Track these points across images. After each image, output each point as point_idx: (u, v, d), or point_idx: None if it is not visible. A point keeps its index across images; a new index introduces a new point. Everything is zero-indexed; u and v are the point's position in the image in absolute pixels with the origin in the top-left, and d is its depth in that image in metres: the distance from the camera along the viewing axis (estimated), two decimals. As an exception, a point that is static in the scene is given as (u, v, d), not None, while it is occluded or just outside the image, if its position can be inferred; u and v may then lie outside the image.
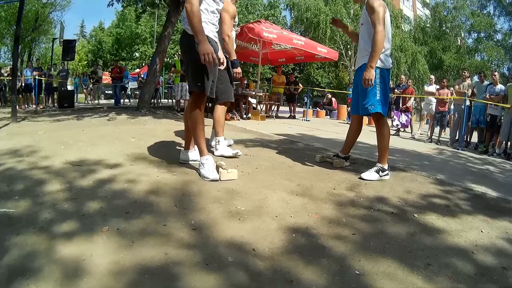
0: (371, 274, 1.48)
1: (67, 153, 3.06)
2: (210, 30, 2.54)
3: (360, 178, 2.85)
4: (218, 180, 2.49)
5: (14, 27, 11.86)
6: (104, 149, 3.30)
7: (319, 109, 14.78)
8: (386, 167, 2.94)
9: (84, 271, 1.35)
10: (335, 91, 18.51)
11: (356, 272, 1.48)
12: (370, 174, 2.87)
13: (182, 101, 8.94)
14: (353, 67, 23.85)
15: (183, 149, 2.93)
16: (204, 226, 1.77)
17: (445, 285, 1.46)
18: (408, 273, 1.52)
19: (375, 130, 3.02)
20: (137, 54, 30.59)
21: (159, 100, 14.37)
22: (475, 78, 8.33)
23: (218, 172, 2.54)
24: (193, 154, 2.90)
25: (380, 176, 2.89)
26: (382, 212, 2.20)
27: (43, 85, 11.89)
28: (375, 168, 2.91)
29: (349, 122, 12.03)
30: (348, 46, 22.98)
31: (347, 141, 3.38)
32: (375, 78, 2.84)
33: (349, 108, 12.32)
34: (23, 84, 11.52)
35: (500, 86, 6.80)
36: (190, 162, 2.88)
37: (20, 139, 3.74)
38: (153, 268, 1.40)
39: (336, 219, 2.01)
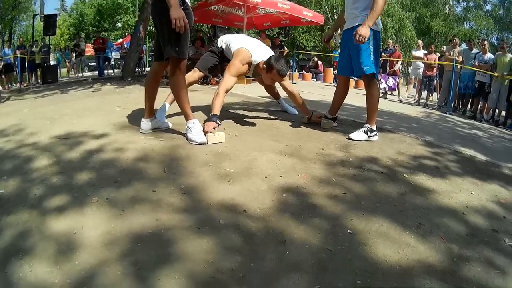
0: (363, 233, 1.49)
1: (53, 128, 2.95)
2: None
3: (349, 138, 2.84)
4: (205, 144, 2.43)
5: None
6: (89, 121, 3.19)
7: (305, 72, 14.62)
8: (374, 127, 2.93)
9: (76, 245, 1.32)
10: (321, 54, 18.24)
11: (348, 231, 1.49)
12: (358, 135, 2.85)
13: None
14: (339, 31, 23.53)
15: (143, 119, 2.72)
16: (194, 190, 1.74)
17: (437, 245, 1.48)
18: (401, 232, 1.54)
19: (365, 92, 2.97)
20: (119, 24, 29.57)
21: (144, 69, 14.04)
22: (463, 46, 8.30)
23: (205, 135, 2.48)
24: (154, 122, 2.75)
25: (369, 136, 2.88)
26: (372, 171, 2.19)
27: (26, 63, 11.57)
28: (363, 128, 2.90)
29: (336, 85, 12.07)
30: (334, 11, 22.41)
31: (334, 102, 3.34)
32: (369, 39, 2.75)
33: (336, 71, 12.23)
34: (5, 64, 11.15)
35: (489, 55, 6.85)
36: (148, 132, 2.71)
37: (5, 119, 3.56)
38: (144, 235, 1.38)
39: (326, 179, 2.00)
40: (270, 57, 3.02)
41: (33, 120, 3.39)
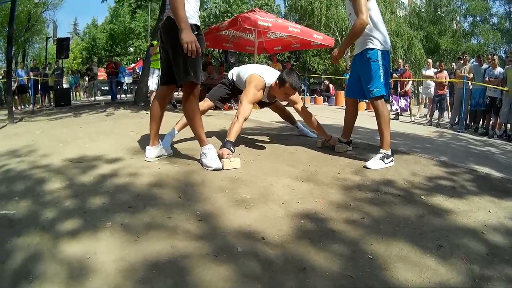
0: (384, 258, 1.45)
1: (66, 151, 3.00)
2: (197, 20, 2.45)
3: (365, 167, 2.75)
4: (220, 169, 2.43)
5: (7, 29, 11.73)
6: (103, 144, 3.24)
7: (316, 96, 14.69)
8: (390, 152, 2.87)
9: (89, 270, 1.30)
10: (332, 77, 18.37)
11: (369, 256, 1.45)
12: (375, 163, 2.78)
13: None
14: (349, 53, 23.72)
15: (148, 146, 2.68)
16: (210, 217, 1.73)
17: (459, 267, 1.44)
18: (421, 255, 1.50)
19: (375, 114, 2.93)
20: (131, 49, 30.41)
21: None
22: (472, 61, 8.29)
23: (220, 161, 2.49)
24: (159, 149, 2.72)
25: (386, 164, 2.80)
26: (389, 195, 2.16)
27: (39, 85, 11.83)
28: (379, 155, 2.83)
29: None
30: (343, 33, 22.73)
31: (346, 125, 3.34)
32: (378, 60, 2.79)
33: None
34: (19, 85, 11.43)
35: (499, 69, 6.79)
36: (154, 160, 2.66)
37: (18, 140, 3.66)
38: (160, 262, 1.36)
39: (344, 203, 1.97)
40: (281, 73, 3.10)
41: (46, 142, 3.45)
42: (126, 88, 16.51)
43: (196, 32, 2.40)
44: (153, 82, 7.10)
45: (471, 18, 27.16)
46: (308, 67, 25.89)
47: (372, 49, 2.83)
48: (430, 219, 1.85)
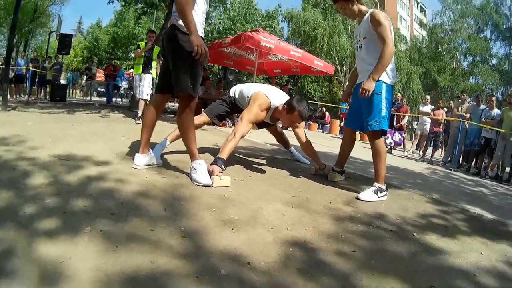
0: (375, 295, 1.38)
1: (55, 146, 2.93)
2: (202, 33, 2.45)
3: (358, 198, 2.71)
4: (210, 186, 2.37)
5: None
6: (92, 145, 3.19)
7: (311, 122, 14.79)
8: (384, 187, 2.84)
9: (62, 276, 1.22)
10: (328, 105, 18.59)
11: (359, 292, 1.38)
12: (368, 195, 2.74)
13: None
14: (347, 82, 24.03)
15: (137, 153, 2.61)
16: (195, 234, 1.66)
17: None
18: (413, 295, 1.43)
19: (371, 148, 2.91)
20: (132, 55, 30.64)
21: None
22: (469, 101, 8.49)
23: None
24: (149, 158, 2.65)
25: (379, 197, 2.77)
26: (381, 229, 2.13)
27: (37, 77, 11.91)
28: (373, 188, 2.80)
29: (341, 137, 12.01)
30: (344, 62, 23.27)
31: (341, 155, 3.32)
32: (381, 93, 2.75)
33: (342, 123, 12.35)
34: (17, 74, 11.50)
35: (496, 111, 6.95)
36: (142, 168, 2.59)
37: (9, 128, 3.61)
38: (139, 277, 1.27)
39: (335, 234, 1.92)
40: (291, 98, 3.04)
41: (36, 134, 3.38)
42: (122, 92, 16.47)
43: None
44: (143, 91, 6.46)
45: (471, 58, 27.98)
46: (305, 93, 26.20)
47: (378, 80, 2.74)
48: (422, 257, 1.82)
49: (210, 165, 2.56)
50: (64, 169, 2.33)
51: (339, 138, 11.44)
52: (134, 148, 3.19)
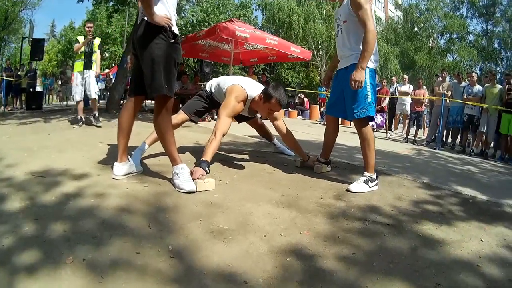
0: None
1: (31, 162, 2.75)
2: (175, 27, 2.30)
3: (348, 190, 2.64)
4: (194, 192, 2.25)
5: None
6: (70, 156, 3.02)
7: (290, 109, 14.73)
8: (374, 176, 2.77)
9: None
10: (306, 91, 18.57)
11: (366, 302, 1.30)
12: (358, 186, 2.67)
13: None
14: (324, 67, 24.08)
15: (116, 162, 2.45)
16: (184, 252, 1.53)
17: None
18: (421, 297, 1.36)
19: (359, 136, 2.83)
20: (106, 54, 29.98)
21: None
22: (447, 79, 8.56)
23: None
24: (128, 166, 2.49)
25: (370, 187, 2.70)
26: (377, 224, 2.06)
27: (12, 86, 11.50)
28: (363, 178, 2.73)
29: (322, 123, 12.06)
30: (319, 47, 23.21)
31: (325, 144, 3.22)
32: (365, 78, 2.66)
33: (322, 109, 12.33)
34: None
35: (478, 87, 7.00)
36: (122, 178, 2.43)
37: None
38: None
39: (331, 235, 1.84)
40: (267, 86, 2.94)
41: (12, 149, 3.20)
42: (99, 94, 16.00)
43: (173, 41, 2.25)
44: (91, 90, 5.85)
45: (448, 35, 28.38)
46: (283, 80, 26.12)
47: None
48: (423, 252, 1.76)
49: (193, 167, 2.44)
50: (40, 188, 2.17)
51: (320, 124, 11.47)
52: (112, 155, 3.04)
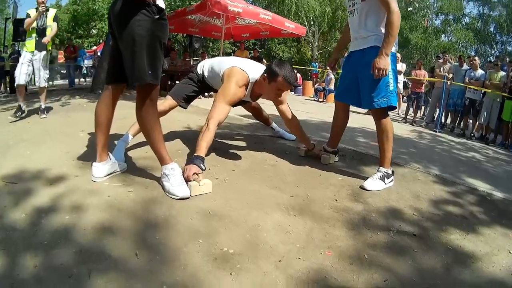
0: None
1: (4, 161, 2.37)
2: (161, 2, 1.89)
3: (363, 188, 2.37)
4: (188, 197, 1.90)
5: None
6: (47, 152, 2.62)
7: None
8: (390, 171, 2.50)
9: None
10: (297, 66, 18.13)
11: None
12: (374, 183, 2.39)
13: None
14: (316, 43, 23.50)
15: (95, 162, 2.09)
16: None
17: None
18: None
19: (376, 127, 2.52)
20: (94, 31, 28.94)
21: None
22: (439, 61, 8.34)
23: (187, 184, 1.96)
24: (110, 166, 2.14)
25: (386, 184, 2.44)
26: (403, 234, 1.81)
27: None
28: (379, 174, 2.45)
29: (317, 99, 11.73)
30: (312, 23, 22.55)
31: (333, 133, 2.91)
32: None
33: (317, 85, 11.97)
34: None
35: (480, 71, 6.81)
36: (103, 180, 2.08)
37: None
38: None
39: (357, 255, 1.56)
40: (270, 64, 2.55)
41: None
42: (86, 72, 15.33)
43: (158, 16, 1.84)
44: (41, 77, 4.80)
45: (443, 16, 27.94)
46: (273, 55, 25.52)
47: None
48: (457, 272, 1.56)
49: (186, 165, 2.09)
50: (10, 200, 1.80)
51: (314, 100, 11.13)
52: (93, 148, 2.65)
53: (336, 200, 2.13)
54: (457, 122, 7.46)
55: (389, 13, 2.24)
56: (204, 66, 2.87)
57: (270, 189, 2.18)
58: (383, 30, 2.33)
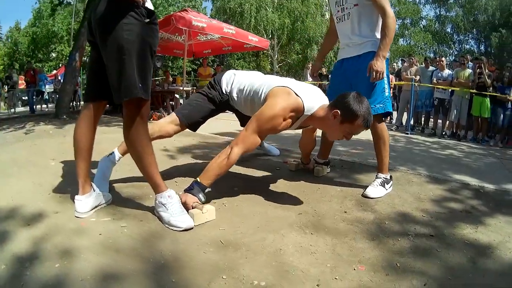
0: None
1: None
2: (149, 1, 1.72)
3: (366, 196, 2.33)
4: (192, 228, 1.74)
5: None
6: (17, 184, 2.35)
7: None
8: (389, 176, 2.49)
9: None
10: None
11: None
12: (376, 190, 2.37)
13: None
14: (276, 56, 23.86)
15: (77, 195, 1.86)
16: None
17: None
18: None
19: (373, 134, 2.49)
20: (53, 54, 28.01)
21: (79, 103, 12.68)
22: (399, 64, 8.69)
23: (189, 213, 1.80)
24: (95, 198, 1.91)
25: (387, 189, 2.44)
26: (422, 237, 1.80)
27: None
28: (378, 180, 2.43)
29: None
30: (271, 36, 22.94)
31: (323, 143, 2.89)
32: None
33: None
34: None
35: (447, 71, 7.15)
36: (89, 215, 1.85)
37: None
38: None
39: (389, 265, 1.50)
40: (343, 97, 1.97)
41: None
42: (47, 97, 14.57)
43: (148, 20, 1.65)
44: None
45: (401, 21, 29.28)
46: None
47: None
48: (483, 263, 1.58)
49: (184, 193, 1.91)
50: None
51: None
52: (68, 178, 2.46)
53: (345, 212, 2.07)
54: (425, 122, 7.71)
55: (385, 17, 2.26)
56: (230, 81, 2.34)
57: (275, 209, 2.07)
58: (377, 35, 2.36)
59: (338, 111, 1.92)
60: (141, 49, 1.63)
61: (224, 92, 2.33)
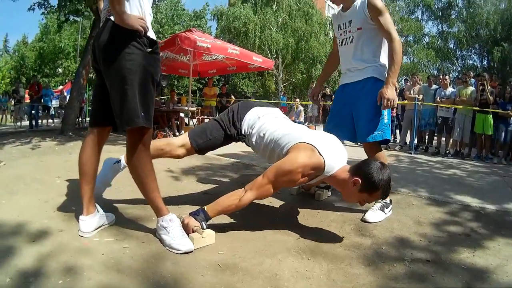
0: None
1: None
2: (152, 31, 1.83)
3: (365, 221, 2.37)
4: (192, 251, 1.81)
5: None
6: (23, 201, 2.44)
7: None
8: (388, 200, 2.51)
9: None
10: (264, 101, 18.57)
11: None
12: (375, 215, 2.41)
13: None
14: (280, 75, 24.13)
15: (82, 216, 1.93)
16: None
17: None
18: None
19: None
20: (60, 70, 28.57)
21: (85, 119, 12.97)
22: (402, 83, 8.73)
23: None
24: (98, 219, 1.98)
25: (386, 214, 2.47)
26: (418, 262, 1.83)
27: None
28: (378, 205, 2.47)
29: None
30: (275, 55, 23.29)
31: None
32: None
33: (293, 119, 12.21)
34: None
35: (450, 89, 7.12)
36: (92, 234, 1.93)
37: None
38: None
39: None
40: (367, 165, 1.94)
41: None
42: (53, 112, 14.82)
43: (150, 49, 1.74)
44: None
45: (404, 38, 29.57)
46: (238, 90, 26.01)
47: (382, 80, 2.36)
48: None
49: (186, 217, 1.97)
50: None
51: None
52: (73, 196, 2.55)
53: (343, 237, 2.12)
54: (429, 141, 7.69)
55: (391, 42, 2.29)
56: (254, 127, 2.32)
57: (275, 233, 2.13)
58: (378, 60, 2.41)
59: (359, 180, 1.89)
60: (143, 79, 1.72)
61: (243, 133, 2.35)
